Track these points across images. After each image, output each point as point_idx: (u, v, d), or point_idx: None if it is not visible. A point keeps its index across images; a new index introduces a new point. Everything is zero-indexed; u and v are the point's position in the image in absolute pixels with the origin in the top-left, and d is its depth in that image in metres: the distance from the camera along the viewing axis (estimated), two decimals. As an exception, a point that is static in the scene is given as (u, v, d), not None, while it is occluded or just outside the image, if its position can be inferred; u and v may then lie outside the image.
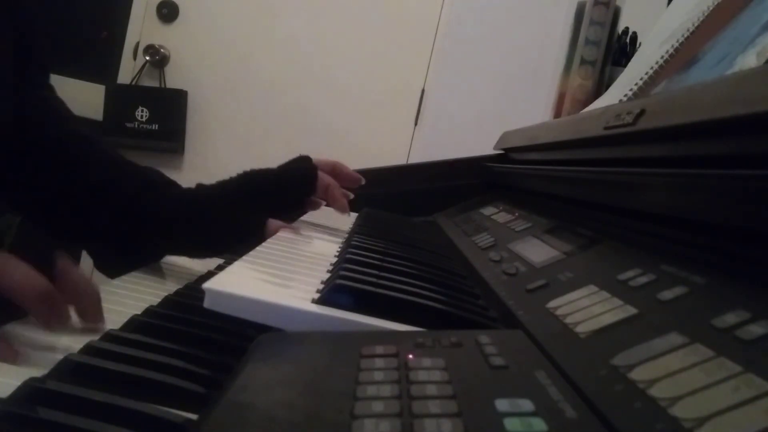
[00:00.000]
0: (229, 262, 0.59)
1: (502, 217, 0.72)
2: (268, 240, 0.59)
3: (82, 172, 0.63)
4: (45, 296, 0.38)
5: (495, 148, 1.01)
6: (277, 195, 0.71)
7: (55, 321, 0.39)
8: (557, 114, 1.14)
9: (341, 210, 0.75)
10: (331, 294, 0.40)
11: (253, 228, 0.65)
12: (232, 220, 0.66)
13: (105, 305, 0.46)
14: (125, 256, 0.62)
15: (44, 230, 0.63)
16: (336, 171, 0.77)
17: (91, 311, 0.42)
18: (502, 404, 0.24)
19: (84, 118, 2.07)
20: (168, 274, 0.62)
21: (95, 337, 0.38)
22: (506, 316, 0.41)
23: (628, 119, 0.47)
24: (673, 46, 0.74)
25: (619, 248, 0.43)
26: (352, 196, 0.78)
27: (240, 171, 0.72)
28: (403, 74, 2.18)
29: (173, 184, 0.67)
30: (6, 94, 0.59)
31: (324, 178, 0.73)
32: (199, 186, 0.69)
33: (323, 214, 0.78)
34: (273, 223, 0.67)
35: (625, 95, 0.76)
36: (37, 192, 0.62)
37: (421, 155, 2.03)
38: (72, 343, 0.38)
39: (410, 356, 0.29)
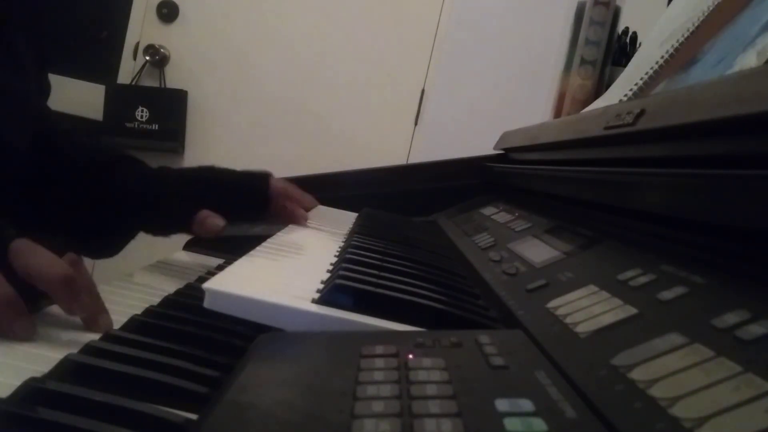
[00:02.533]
0: (229, 262, 0.59)
1: (502, 217, 0.72)
2: (268, 240, 0.59)
3: (60, 160, 0.65)
4: (68, 281, 0.39)
5: (495, 148, 1.01)
6: (218, 194, 0.71)
7: (76, 306, 0.40)
8: (557, 114, 1.14)
9: (301, 222, 0.75)
10: (331, 294, 0.40)
11: (180, 214, 0.66)
12: (170, 204, 0.67)
13: (105, 305, 0.46)
14: (103, 235, 0.64)
15: (16, 220, 0.64)
16: (288, 194, 0.76)
17: (96, 307, 0.42)
18: (502, 404, 0.24)
19: (84, 118, 2.07)
20: (168, 274, 0.62)
21: (95, 337, 0.38)
22: (506, 316, 0.41)
23: (628, 119, 0.47)
24: (673, 46, 0.74)
25: (619, 248, 0.43)
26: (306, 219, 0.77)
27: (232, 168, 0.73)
28: (403, 74, 2.18)
29: (140, 163, 0.70)
30: (33, 107, 0.61)
31: (279, 185, 0.73)
32: (162, 168, 0.71)
33: (323, 214, 0.78)
34: (204, 214, 0.66)
35: (625, 95, 0.76)
36: (11, 180, 0.63)
37: (421, 155, 2.03)
38: (73, 341, 0.38)
39: (410, 356, 0.29)
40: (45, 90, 0.69)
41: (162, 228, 0.69)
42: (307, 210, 0.77)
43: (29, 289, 0.39)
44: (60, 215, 0.65)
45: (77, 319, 0.41)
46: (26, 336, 0.37)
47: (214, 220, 0.64)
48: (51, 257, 0.40)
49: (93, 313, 0.41)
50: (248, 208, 0.73)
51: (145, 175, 0.68)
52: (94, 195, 0.64)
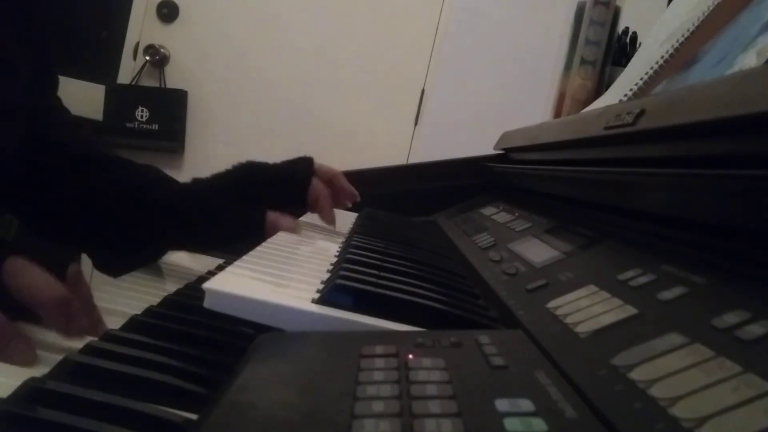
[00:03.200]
0: (229, 262, 0.60)
1: (502, 217, 0.72)
2: (268, 240, 0.59)
3: (82, 173, 0.63)
4: (64, 304, 0.38)
5: (495, 148, 1.01)
6: (272, 190, 0.69)
7: (72, 329, 0.39)
8: (557, 114, 1.14)
9: (328, 222, 0.74)
10: (331, 294, 0.40)
11: (253, 221, 0.65)
12: (230, 214, 0.65)
13: (105, 305, 0.46)
14: (126, 255, 0.62)
15: (43, 233, 0.63)
16: (333, 182, 0.75)
17: (95, 326, 0.41)
18: (502, 404, 0.24)
19: (84, 118, 2.07)
20: (168, 274, 0.62)
21: (95, 337, 0.38)
22: (506, 316, 0.41)
23: (628, 119, 0.47)
24: (673, 46, 0.74)
25: (619, 248, 0.43)
26: (349, 205, 0.77)
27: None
28: (403, 74, 2.18)
29: (171, 180, 0.67)
30: (25, 104, 0.59)
31: (317, 186, 0.71)
32: (195, 180, 0.68)
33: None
34: (272, 214, 0.66)
35: (625, 95, 0.76)
36: (37, 195, 0.62)
37: (421, 155, 2.03)
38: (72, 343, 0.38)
39: (410, 356, 0.29)
40: (47, 85, 0.67)
41: (224, 241, 0.66)
42: (349, 201, 0.76)
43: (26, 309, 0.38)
44: (82, 230, 0.63)
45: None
46: (24, 360, 0.36)
47: (287, 221, 0.63)
48: (45, 279, 0.38)
49: (89, 331, 0.40)
50: (301, 198, 0.71)
51: (176, 193, 0.65)
52: (118, 212, 0.62)
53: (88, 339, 0.38)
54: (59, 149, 0.63)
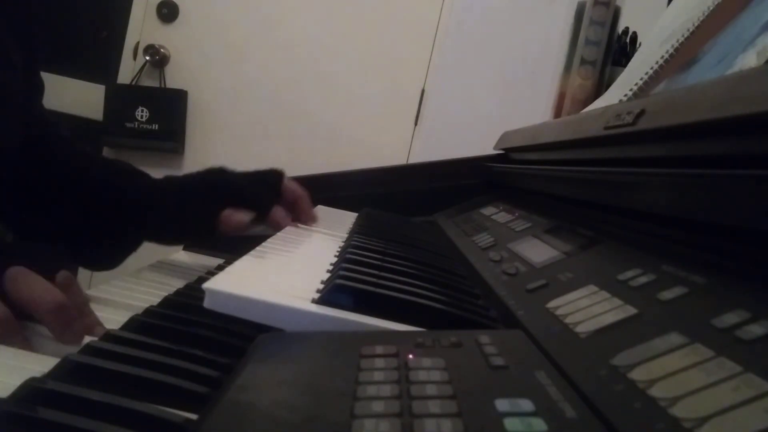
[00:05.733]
0: (229, 262, 0.59)
1: (502, 217, 0.72)
2: (268, 240, 0.59)
3: (57, 168, 0.65)
4: (61, 309, 0.38)
5: (495, 148, 1.01)
6: (235, 193, 0.69)
7: (69, 334, 0.39)
8: (557, 114, 1.14)
9: (310, 221, 0.74)
10: (331, 294, 0.40)
11: (203, 218, 0.65)
12: (186, 209, 0.66)
13: (105, 305, 0.46)
14: (104, 246, 0.63)
15: (21, 231, 0.64)
16: (297, 204, 0.74)
17: (91, 328, 0.41)
18: (502, 404, 0.24)
19: (84, 118, 2.07)
20: (168, 274, 0.62)
21: (95, 337, 0.38)
22: (506, 316, 0.41)
23: (628, 119, 0.47)
24: (673, 46, 0.74)
25: (619, 248, 0.43)
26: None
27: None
28: (403, 74, 2.18)
29: (143, 174, 0.69)
30: (19, 107, 0.60)
31: (276, 214, 0.70)
32: (167, 177, 0.70)
33: (323, 214, 0.78)
34: (227, 210, 0.65)
35: (625, 95, 0.76)
36: (14, 192, 0.63)
37: (421, 155, 2.03)
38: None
39: (410, 356, 0.29)
40: (37, 89, 0.68)
41: (179, 234, 0.68)
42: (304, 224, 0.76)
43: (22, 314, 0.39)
44: (58, 224, 0.65)
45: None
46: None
47: (239, 216, 0.63)
48: (42, 283, 0.39)
49: (89, 331, 0.40)
50: (260, 206, 0.70)
51: (149, 185, 0.68)
52: (93, 205, 0.64)
53: (88, 339, 0.38)
54: (47, 156, 0.65)
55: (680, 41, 0.73)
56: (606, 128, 0.51)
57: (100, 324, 0.42)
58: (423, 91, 2.19)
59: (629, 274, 0.36)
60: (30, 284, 0.39)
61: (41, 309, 0.38)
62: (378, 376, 0.27)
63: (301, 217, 0.75)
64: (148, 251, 0.70)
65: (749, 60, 0.49)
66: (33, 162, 0.63)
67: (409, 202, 0.98)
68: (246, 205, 0.66)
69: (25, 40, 0.61)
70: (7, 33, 0.58)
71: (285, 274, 0.48)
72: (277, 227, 0.67)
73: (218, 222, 0.63)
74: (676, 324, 0.27)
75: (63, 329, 0.39)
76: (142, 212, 0.65)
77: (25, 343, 0.38)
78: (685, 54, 0.70)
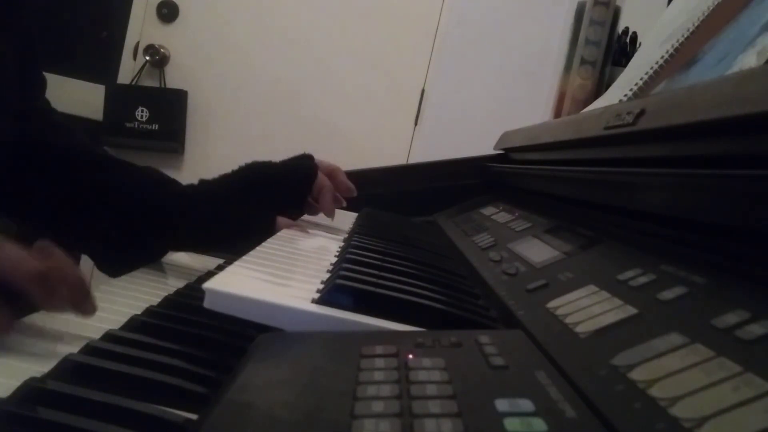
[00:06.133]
0: (229, 262, 0.60)
1: (502, 217, 0.72)
2: (269, 240, 0.59)
3: (83, 174, 0.63)
4: (40, 277, 0.37)
5: (495, 148, 1.01)
6: (279, 189, 0.71)
7: (55, 302, 0.38)
8: (557, 114, 1.14)
9: (328, 215, 0.75)
10: (331, 294, 0.40)
11: (261, 224, 0.65)
12: (236, 215, 0.66)
13: (105, 305, 0.46)
14: (127, 255, 0.62)
15: (45, 235, 0.63)
16: (333, 175, 0.77)
17: (79, 296, 0.40)
18: (502, 404, 0.24)
19: (84, 118, 2.07)
20: (168, 274, 0.62)
21: (95, 337, 0.38)
22: (506, 316, 0.41)
23: (628, 119, 0.47)
24: (673, 46, 0.74)
25: (619, 248, 0.43)
26: (344, 204, 0.78)
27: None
28: (403, 74, 2.18)
29: (173, 182, 0.67)
30: (12, 103, 0.59)
31: (321, 179, 0.73)
32: (201, 182, 0.69)
33: (323, 215, 0.78)
34: (282, 220, 0.68)
35: (625, 95, 0.76)
36: (39, 198, 0.62)
37: (421, 155, 2.03)
38: (71, 343, 0.38)
39: (410, 356, 0.29)
40: (37, 85, 0.67)
41: (210, 243, 0.67)
42: (346, 197, 0.78)
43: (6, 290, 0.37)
44: (78, 229, 0.63)
45: (75, 319, 0.41)
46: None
47: (289, 223, 0.64)
48: (19, 254, 0.37)
49: (76, 302, 0.39)
50: (301, 190, 0.72)
51: (178, 193, 0.65)
52: (118, 213, 0.62)
53: (88, 340, 0.38)
54: (53, 150, 0.63)
55: (680, 41, 0.73)
56: (606, 128, 0.51)
57: (92, 296, 0.40)
58: (423, 91, 2.18)
59: (629, 274, 0.36)
60: (6, 254, 0.37)
61: (20, 277, 0.36)
62: (378, 376, 0.27)
63: (339, 188, 0.77)
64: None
65: (749, 60, 0.49)
66: (41, 161, 0.62)
67: (409, 202, 0.98)
68: (293, 197, 0.70)
69: (19, 38, 0.61)
70: (1, 33, 0.57)
71: (285, 274, 0.48)
72: (324, 201, 0.72)
73: (275, 231, 0.64)
74: (676, 324, 0.27)
75: (48, 297, 0.37)
76: (170, 223, 0.63)
77: (5, 325, 0.36)
78: (685, 54, 0.70)
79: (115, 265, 0.61)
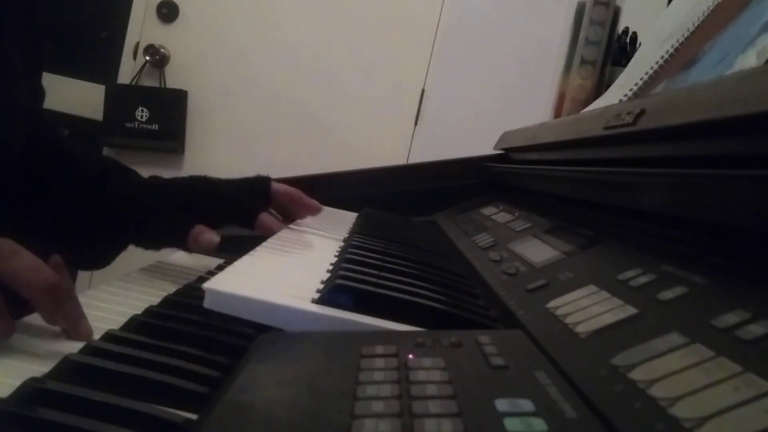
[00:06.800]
0: (229, 262, 0.60)
1: (502, 217, 0.72)
2: (269, 240, 0.59)
3: (52, 168, 0.64)
4: (54, 289, 0.37)
5: (495, 148, 1.01)
6: (216, 212, 0.67)
7: (60, 316, 0.38)
8: (557, 114, 1.14)
9: (315, 211, 0.74)
10: (331, 294, 0.40)
11: (173, 229, 0.63)
12: (160, 216, 0.64)
13: (105, 305, 0.46)
14: (93, 245, 0.63)
15: (8, 227, 0.63)
16: (294, 202, 0.74)
17: (80, 316, 0.40)
18: (502, 404, 0.24)
19: (84, 118, 2.07)
20: (168, 274, 0.62)
21: (95, 337, 0.38)
22: (506, 316, 0.41)
23: (628, 119, 0.47)
24: (673, 46, 0.74)
25: (619, 248, 0.43)
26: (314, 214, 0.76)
27: (239, 171, 0.72)
28: (403, 74, 2.18)
29: (130, 171, 0.68)
30: (21, 113, 0.60)
31: (265, 220, 0.68)
32: (152, 177, 0.69)
33: (323, 214, 0.78)
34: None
35: (625, 95, 0.76)
36: (9, 191, 0.62)
37: (421, 155, 2.03)
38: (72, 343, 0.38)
39: (410, 356, 0.29)
40: (39, 95, 0.68)
41: (153, 240, 0.66)
42: (312, 215, 0.75)
43: (11, 293, 0.37)
44: (50, 224, 0.63)
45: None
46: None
47: (209, 236, 0.61)
48: (35, 262, 0.37)
49: (74, 321, 0.39)
50: (246, 214, 0.68)
51: (135, 185, 0.66)
52: (84, 204, 0.63)
53: (81, 336, 0.38)
54: (31, 146, 0.64)
55: (680, 41, 0.73)
56: (606, 128, 0.51)
57: (85, 318, 0.40)
58: (423, 91, 2.18)
59: (629, 274, 0.36)
60: (20, 259, 0.36)
61: (34, 287, 0.36)
62: (378, 376, 0.27)
63: (302, 212, 0.74)
64: (148, 252, 0.69)
65: (749, 60, 0.49)
66: (31, 161, 0.63)
67: (409, 202, 0.98)
68: (226, 214, 0.66)
69: (29, 48, 0.61)
70: (12, 41, 0.58)
71: (285, 274, 0.48)
72: (268, 232, 0.66)
73: (187, 236, 0.61)
74: (676, 324, 0.27)
75: (55, 310, 0.37)
76: (127, 211, 0.63)
77: (5, 328, 0.36)
78: (685, 54, 0.70)
79: (81, 257, 0.62)
